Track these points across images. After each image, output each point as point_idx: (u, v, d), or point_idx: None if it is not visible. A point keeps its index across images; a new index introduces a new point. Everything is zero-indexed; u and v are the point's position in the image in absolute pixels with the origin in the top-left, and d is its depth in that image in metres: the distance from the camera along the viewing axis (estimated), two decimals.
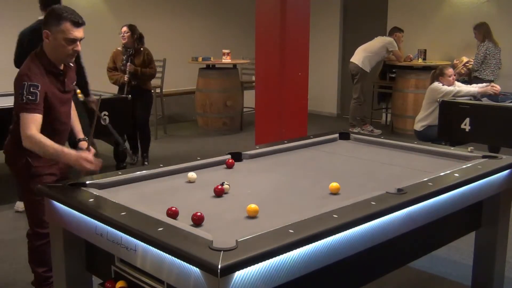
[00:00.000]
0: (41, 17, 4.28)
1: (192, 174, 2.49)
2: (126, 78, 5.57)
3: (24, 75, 2.57)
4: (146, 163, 5.79)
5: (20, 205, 4.36)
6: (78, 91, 4.44)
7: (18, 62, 4.27)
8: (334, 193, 2.29)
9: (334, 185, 2.30)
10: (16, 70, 2.75)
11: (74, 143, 5.61)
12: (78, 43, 2.64)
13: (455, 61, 7.28)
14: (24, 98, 2.51)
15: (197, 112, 7.92)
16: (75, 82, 2.94)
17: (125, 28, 5.62)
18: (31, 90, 2.51)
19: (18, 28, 4.52)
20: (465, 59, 7.11)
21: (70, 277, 2.22)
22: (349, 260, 1.92)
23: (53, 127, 2.72)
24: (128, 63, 5.57)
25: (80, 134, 2.94)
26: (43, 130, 2.57)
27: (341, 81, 9.39)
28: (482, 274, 2.91)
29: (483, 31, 6.79)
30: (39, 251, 2.85)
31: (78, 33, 2.61)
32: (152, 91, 6.16)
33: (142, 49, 5.71)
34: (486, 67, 6.72)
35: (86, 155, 2.51)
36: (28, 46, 4.12)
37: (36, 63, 2.63)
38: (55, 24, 2.57)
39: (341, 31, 9.27)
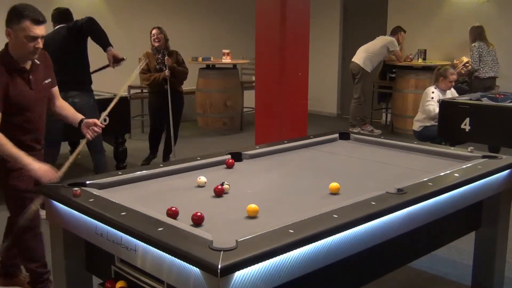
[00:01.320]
0: (56, 27, 4.42)
1: (201, 178, 2.44)
2: (167, 73, 5.46)
3: None
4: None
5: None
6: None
7: None
8: (334, 193, 2.29)
9: (334, 185, 2.30)
10: None
11: (74, 143, 5.58)
12: (39, 40, 2.62)
13: (455, 61, 7.28)
14: None
15: (197, 112, 7.92)
16: (49, 80, 2.91)
17: (156, 31, 5.54)
18: None
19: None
20: (465, 59, 7.12)
21: (70, 277, 2.22)
22: (349, 260, 1.92)
23: (26, 126, 2.73)
24: (166, 57, 5.50)
25: (77, 116, 2.93)
26: (16, 129, 2.64)
27: (341, 81, 9.39)
28: (482, 274, 2.91)
29: (474, 33, 6.85)
30: (28, 246, 2.86)
31: (39, 30, 2.60)
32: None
33: (172, 50, 5.69)
34: (484, 65, 6.73)
35: (40, 166, 2.53)
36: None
37: None
38: (16, 22, 2.58)
39: (341, 31, 9.27)
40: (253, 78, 6.16)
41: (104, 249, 1.95)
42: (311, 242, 1.73)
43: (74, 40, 4.30)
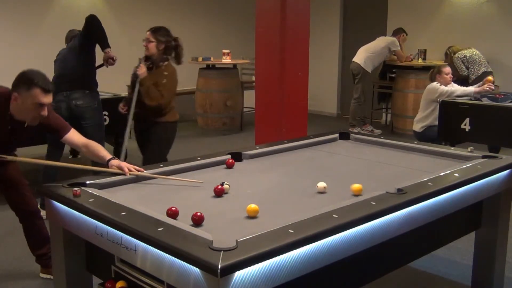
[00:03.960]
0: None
1: (321, 184, 2.36)
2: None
3: None
4: None
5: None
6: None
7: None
8: (357, 194, 2.24)
9: (356, 186, 2.26)
10: None
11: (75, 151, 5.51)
12: (45, 107, 2.69)
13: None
14: None
15: (197, 112, 7.92)
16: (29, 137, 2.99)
17: (148, 34, 4.12)
18: None
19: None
20: (490, 78, 6.85)
21: (70, 277, 2.22)
22: (349, 260, 1.92)
23: None
24: (140, 64, 4.11)
25: (107, 157, 2.70)
26: None
27: (341, 81, 9.39)
28: (482, 274, 2.91)
29: (449, 56, 6.98)
30: (39, 229, 3.15)
31: (46, 99, 2.66)
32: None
33: (165, 64, 4.11)
34: (472, 65, 6.70)
35: None
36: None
37: None
38: (26, 89, 2.63)
39: (341, 31, 9.27)
40: (253, 78, 6.16)
41: (104, 249, 1.95)
42: (311, 242, 1.73)
43: (82, 43, 4.29)
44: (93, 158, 2.79)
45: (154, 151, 4.09)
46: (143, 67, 4.04)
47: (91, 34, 4.20)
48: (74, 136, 2.85)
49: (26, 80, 2.64)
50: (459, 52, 6.79)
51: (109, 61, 4.36)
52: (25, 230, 3.19)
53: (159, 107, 3.99)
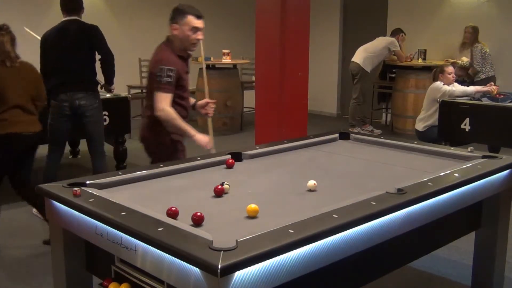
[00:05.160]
0: (65, 18, 4.35)
1: (311, 182, 2.37)
2: None
3: (160, 60, 3.05)
4: None
5: None
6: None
7: (43, 71, 4.24)
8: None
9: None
10: None
11: (75, 144, 5.63)
12: (199, 32, 3.16)
13: (451, 60, 7.25)
14: (162, 80, 3.01)
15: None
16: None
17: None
18: (168, 73, 3.02)
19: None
20: (465, 59, 7.10)
21: (70, 277, 2.22)
22: (349, 260, 1.92)
23: (181, 104, 3.21)
24: None
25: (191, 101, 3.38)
26: (175, 106, 3.11)
27: (341, 81, 9.39)
28: (482, 274, 2.91)
29: (475, 34, 6.82)
30: None
31: (199, 23, 3.15)
32: None
33: None
34: (486, 63, 6.71)
35: (202, 137, 3.16)
36: (52, 46, 4.26)
37: (169, 50, 3.14)
38: (181, 18, 3.12)
39: (341, 31, 9.27)
40: (253, 78, 6.16)
41: (104, 249, 1.95)
42: (311, 242, 1.73)
43: (87, 42, 4.32)
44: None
45: None
46: None
47: (106, 71, 4.49)
48: None
49: (180, 12, 3.13)
50: (483, 45, 6.75)
51: (109, 91, 4.83)
52: None
53: None
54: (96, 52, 4.40)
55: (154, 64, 3.11)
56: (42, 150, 4.40)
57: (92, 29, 4.35)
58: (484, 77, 6.67)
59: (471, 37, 6.88)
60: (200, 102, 3.42)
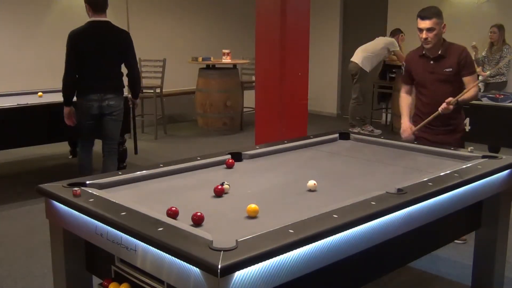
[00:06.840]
0: (95, 19, 4.39)
1: (311, 182, 2.37)
2: None
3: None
4: None
5: None
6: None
7: (70, 70, 4.35)
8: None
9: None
10: None
11: (75, 144, 5.67)
12: (424, 32, 3.51)
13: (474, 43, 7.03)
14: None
15: (197, 112, 7.92)
16: (450, 69, 3.63)
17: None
18: (402, 68, 3.80)
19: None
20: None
21: (70, 277, 2.22)
22: (349, 260, 1.92)
23: (422, 99, 3.66)
24: None
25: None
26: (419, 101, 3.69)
27: (341, 81, 9.39)
28: (482, 274, 2.91)
29: (502, 33, 6.59)
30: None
31: (421, 24, 3.52)
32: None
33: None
34: (508, 68, 6.58)
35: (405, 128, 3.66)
36: (86, 48, 4.36)
37: (415, 50, 3.75)
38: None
39: (341, 31, 9.27)
40: (253, 78, 6.17)
41: (104, 249, 1.95)
42: (311, 242, 1.73)
43: (119, 46, 4.49)
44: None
45: None
46: None
47: (134, 87, 4.77)
48: None
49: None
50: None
51: (133, 105, 5.19)
52: None
53: None
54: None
55: None
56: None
57: (124, 34, 4.54)
58: (500, 81, 6.58)
59: (498, 36, 6.68)
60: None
